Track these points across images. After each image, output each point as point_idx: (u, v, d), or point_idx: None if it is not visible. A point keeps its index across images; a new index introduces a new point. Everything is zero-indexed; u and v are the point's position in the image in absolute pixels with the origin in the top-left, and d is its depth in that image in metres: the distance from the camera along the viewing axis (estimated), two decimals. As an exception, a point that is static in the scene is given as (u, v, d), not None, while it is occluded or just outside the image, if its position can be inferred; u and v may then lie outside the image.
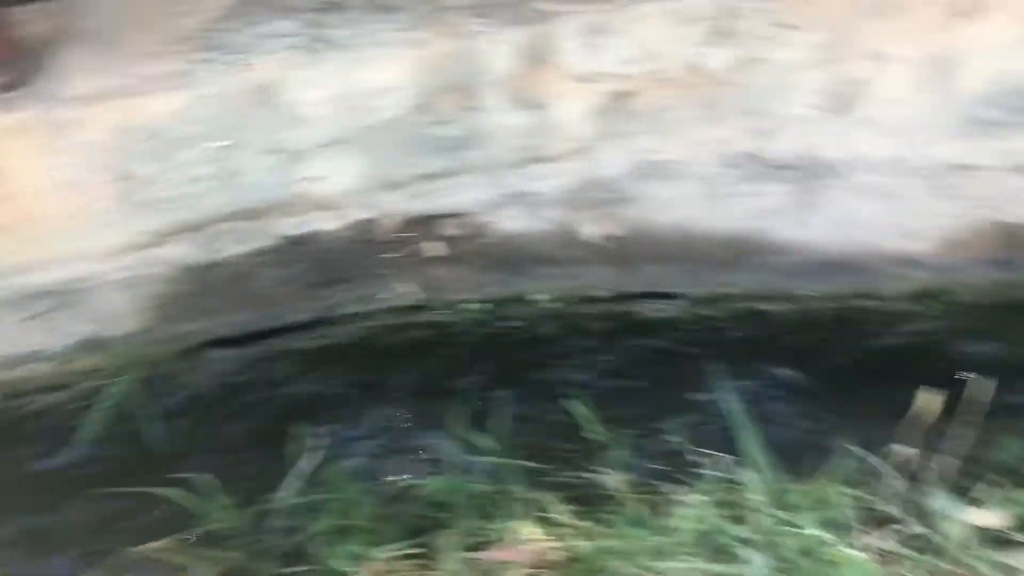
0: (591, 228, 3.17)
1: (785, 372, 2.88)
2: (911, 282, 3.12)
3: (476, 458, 2.45)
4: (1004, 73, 2.98)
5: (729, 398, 2.45)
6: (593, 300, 3.11)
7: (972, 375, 2.52)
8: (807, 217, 3.22)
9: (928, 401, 2.14)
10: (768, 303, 3.13)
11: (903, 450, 2.27)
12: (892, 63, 2.97)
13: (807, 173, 3.28)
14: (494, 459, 2.42)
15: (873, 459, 2.42)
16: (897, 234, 3.17)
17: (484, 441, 2.46)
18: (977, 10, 2.73)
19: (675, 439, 2.49)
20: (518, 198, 3.17)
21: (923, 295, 3.11)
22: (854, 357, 2.99)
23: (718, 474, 2.28)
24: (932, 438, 2.42)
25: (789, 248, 3.19)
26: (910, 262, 3.13)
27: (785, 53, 2.90)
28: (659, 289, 3.14)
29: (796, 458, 2.51)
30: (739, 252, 3.18)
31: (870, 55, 2.93)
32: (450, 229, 3.14)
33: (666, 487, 2.31)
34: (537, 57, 2.82)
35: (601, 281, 3.14)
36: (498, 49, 2.76)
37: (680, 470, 2.36)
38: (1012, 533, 2.49)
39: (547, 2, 2.73)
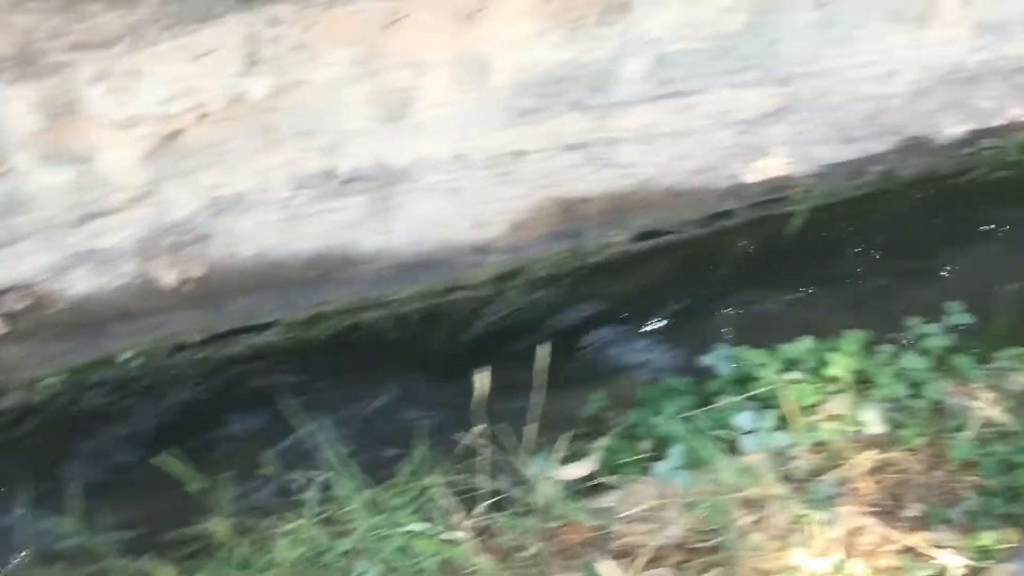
0: (170, 274, 3.07)
1: (386, 376, 2.97)
2: (489, 267, 3.33)
3: (63, 543, 2.29)
4: (530, 64, 3.26)
5: (319, 418, 2.48)
6: (183, 347, 3.02)
7: (542, 343, 2.75)
8: (387, 224, 3.33)
9: (482, 379, 2.29)
10: (362, 313, 3.21)
11: (483, 428, 2.42)
12: (430, 69, 3.14)
13: (380, 182, 3.40)
14: (83, 540, 2.27)
15: (471, 440, 2.56)
16: (470, 225, 3.38)
17: (68, 524, 2.31)
18: (480, 10, 2.96)
19: (275, 471, 2.48)
20: (85, 257, 3.00)
21: (502, 277, 3.34)
22: (447, 348, 3.16)
23: (317, 495, 2.30)
24: (516, 409, 2.60)
25: (375, 256, 3.29)
26: (485, 249, 3.34)
27: (324, 73, 2.97)
28: (253, 322, 3.11)
29: (398, 458, 2.60)
30: (327, 269, 3.23)
31: (406, 64, 3.08)
32: (11, 304, 2.90)
33: (270, 521, 2.29)
34: (63, 110, 2.67)
35: (190, 326, 3.05)
36: (12, 107, 2.58)
37: (283, 500, 2.36)
38: (600, 477, 2.74)
39: (57, 54, 2.58)
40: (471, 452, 2.56)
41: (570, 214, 3.47)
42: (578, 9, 3.13)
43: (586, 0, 3.12)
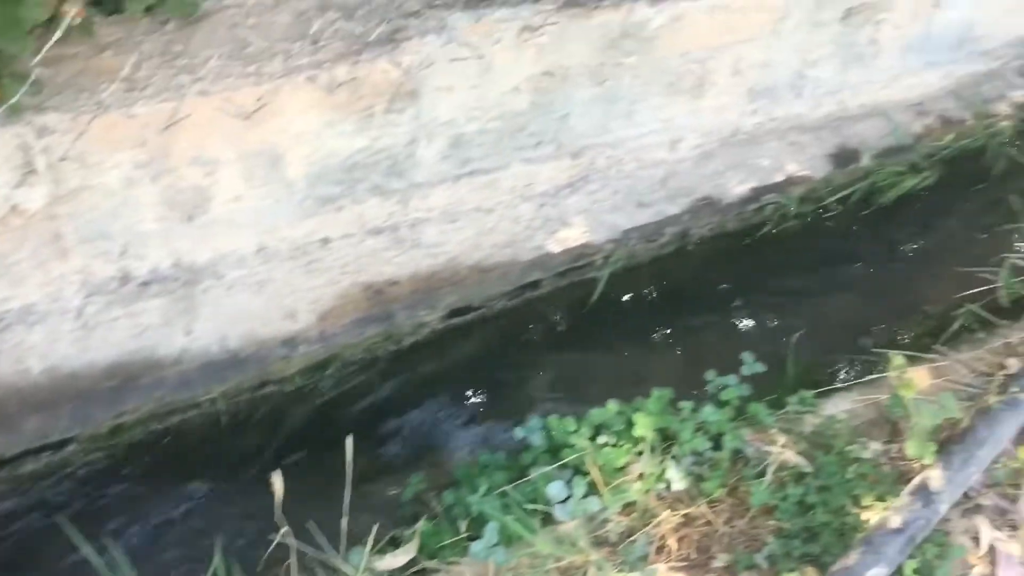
0: (-48, 398, 2.89)
1: (193, 483, 2.88)
2: (300, 359, 3.29)
3: None
4: (324, 154, 3.28)
5: (119, 536, 2.37)
6: (-30, 475, 2.84)
7: (357, 431, 2.73)
8: (190, 323, 3.25)
9: (276, 481, 2.26)
10: (168, 418, 3.10)
11: (287, 530, 2.37)
12: (222, 166, 3.11)
13: (181, 282, 3.32)
14: None
15: (281, 542, 2.50)
16: (278, 317, 3.33)
17: None
18: (260, 109, 2.97)
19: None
20: None
21: (314, 368, 3.31)
22: (258, 447, 3.10)
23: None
24: (333, 503, 2.57)
25: (179, 358, 3.19)
26: (295, 340, 3.30)
27: (108, 178, 2.90)
28: (48, 440, 2.94)
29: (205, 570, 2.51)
30: (128, 376, 3.11)
31: (196, 163, 3.04)
32: None
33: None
34: None
35: (-23, 451, 2.87)
36: None
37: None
38: (421, 563, 2.73)
39: None
40: (282, 555, 2.50)
41: (380, 297, 3.48)
42: (366, 99, 3.18)
43: (373, 90, 3.17)
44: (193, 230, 3.26)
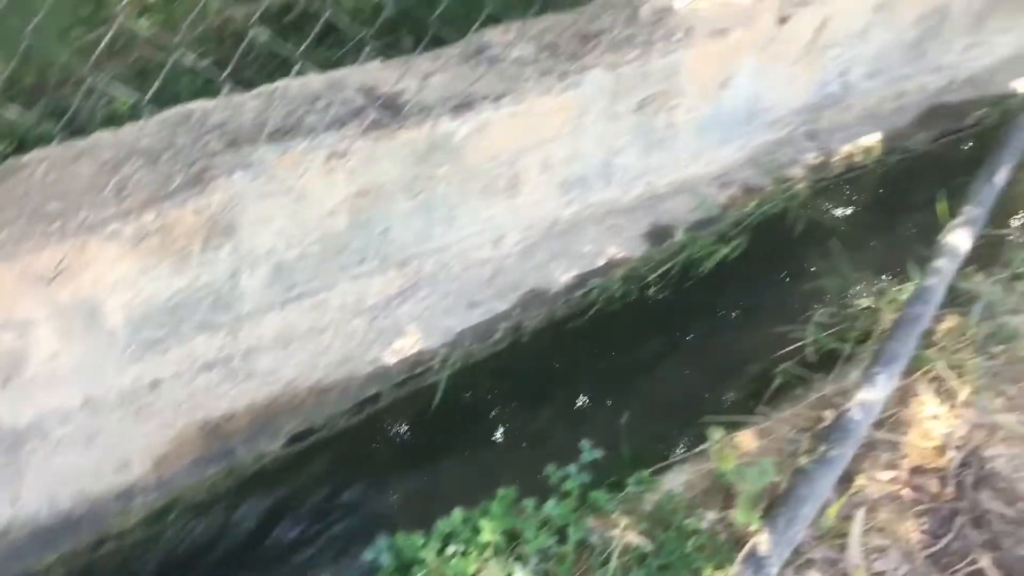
0: None
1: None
2: (138, 510, 3.21)
3: None
4: (144, 299, 3.26)
5: None
6: None
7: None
8: (15, 490, 3.14)
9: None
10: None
11: None
12: (34, 326, 3.06)
13: (5, 446, 3.21)
14: None
15: None
16: (111, 470, 3.25)
17: None
18: (63, 270, 2.95)
19: None
20: None
21: (154, 517, 3.24)
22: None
23: None
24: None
25: (9, 527, 3.06)
26: (131, 491, 3.22)
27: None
28: None
29: None
30: (-48, 557, 2.97)
31: (6, 327, 2.98)
32: None
33: None
34: None
35: None
36: None
37: None
38: None
39: None
40: None
41: (217, 433, 3.45)
42: (180, 241, 3.19)
43: (187, 231, 3.19)
44: (11, 392, 3.17)
